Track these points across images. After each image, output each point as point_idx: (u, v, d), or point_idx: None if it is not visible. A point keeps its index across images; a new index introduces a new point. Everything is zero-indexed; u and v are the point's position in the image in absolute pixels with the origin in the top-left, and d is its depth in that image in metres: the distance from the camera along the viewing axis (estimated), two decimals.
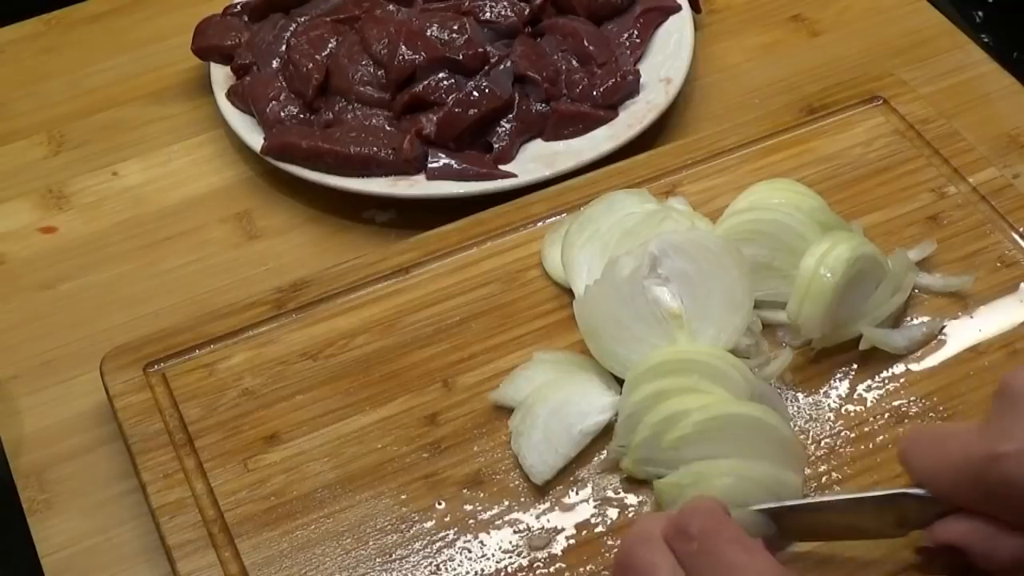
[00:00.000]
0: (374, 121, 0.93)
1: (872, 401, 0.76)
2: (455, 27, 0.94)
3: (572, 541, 0.71)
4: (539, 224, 0.85)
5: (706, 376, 0.73)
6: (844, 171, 0.87)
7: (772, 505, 0.67)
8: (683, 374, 0.73)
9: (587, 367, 0.77)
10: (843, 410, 0.75)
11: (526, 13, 0.97)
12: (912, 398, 0.75)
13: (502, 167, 0.90)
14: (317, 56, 0.95)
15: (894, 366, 0.77)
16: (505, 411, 0.76)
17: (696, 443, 0.70)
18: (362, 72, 0.94)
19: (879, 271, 0.77)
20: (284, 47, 0.97)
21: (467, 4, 0.97)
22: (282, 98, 0.94)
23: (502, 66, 0.93)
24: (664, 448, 0.71)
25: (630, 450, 0.72)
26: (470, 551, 0.71)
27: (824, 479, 0.72)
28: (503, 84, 0.92)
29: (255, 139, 0.93)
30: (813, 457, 0.73)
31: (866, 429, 0.74)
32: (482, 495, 0.73)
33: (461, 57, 0.92)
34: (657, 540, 0.61)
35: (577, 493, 0.73)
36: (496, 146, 0.92)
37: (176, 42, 1.02)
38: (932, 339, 0.78)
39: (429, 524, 0.72)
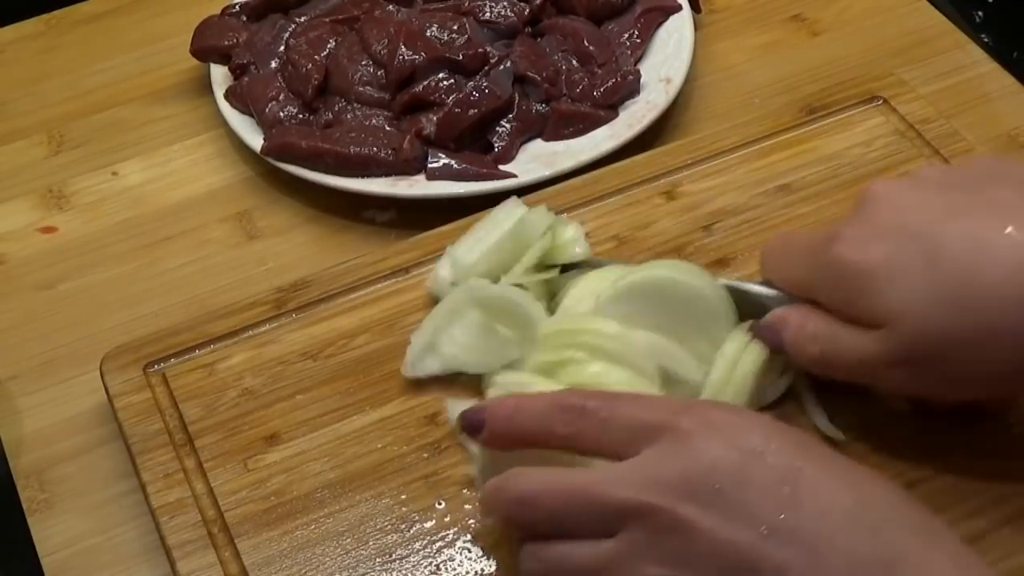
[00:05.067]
0: (374, 121, 0.93)
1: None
2: (455, 27, 0.94)
3: None
4: None
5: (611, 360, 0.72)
6: (844, 171, 0.87)
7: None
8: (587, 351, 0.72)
9: None
10: None
11: (526, 13, 0.97)
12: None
13: (502, 167, 0.90)
14: (316, 56, 0.95)
15: None
16: None
17: None
18: (362, 72, 0.94)
19: None
20: (283, 47, 0.97)
21: (467, 4, 0.97)
22: (281, 98, 0.94)
23: (502, 66, 0.93)
24: None
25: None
26: (470, 551, 0.71)
27: None
28: (503, 84, 0.92)
29: (255, 139, 0.93)
30: None
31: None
32: None
33: (461, 57, 0.92)
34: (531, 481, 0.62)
35: None
36: (496, 146, 0.92)
37: (176, 42, 1.02)
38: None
39: (429, 524, 0.72)
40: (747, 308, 0.73)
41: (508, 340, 0.75)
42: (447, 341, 0.76)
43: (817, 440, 0.60)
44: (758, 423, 0.61)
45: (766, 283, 0.73)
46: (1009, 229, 0.62)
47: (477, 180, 0.89)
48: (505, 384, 0.72)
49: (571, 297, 0.76)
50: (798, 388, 0.74)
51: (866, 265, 0.64)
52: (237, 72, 0.97)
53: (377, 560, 0.71)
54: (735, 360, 0.70)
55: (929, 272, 0.62)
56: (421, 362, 0.77)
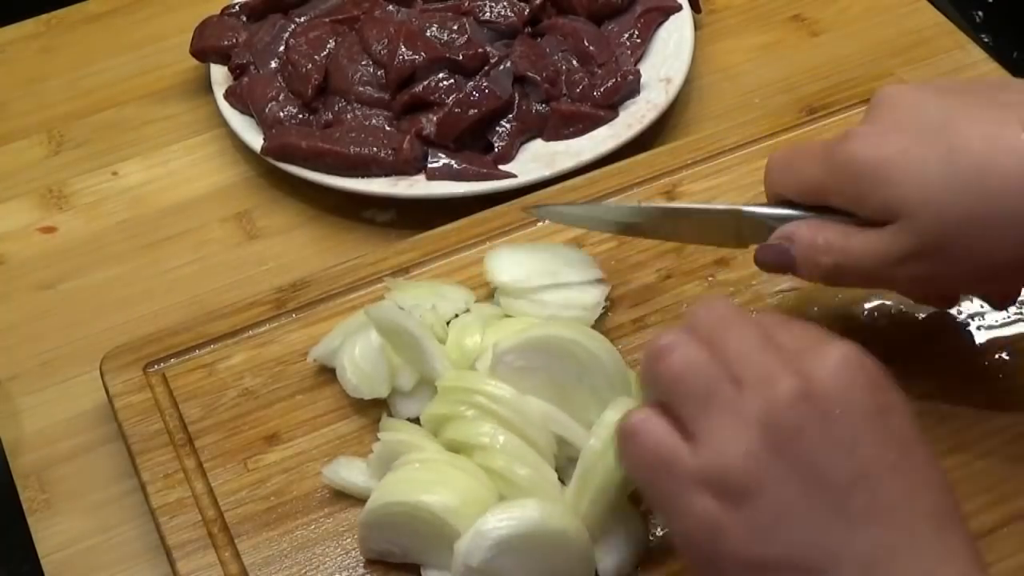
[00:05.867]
0: (374, 121, 0.93)
1: None
2: (455, 27, 0.94)
3: None
4: (539, 224, 0.85)
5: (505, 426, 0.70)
6: None
7: (630, 205, 0.74)
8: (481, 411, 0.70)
9: None
10: None
11: (526, 13, 0.97)
12: (914, 397, 0.75)
13: (502, 167, 0.90)
14: (316, 56, 0.95)
15: None
16: None
17: None
18: (361, 72, 0.94)
19: None
20: (283, 47, 0.97)
21: (467, 4, 0.97)
22: (281, 98, 0.94)
23: (502, 66, 0.93)
24: None
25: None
26: None
27: None
28: (503, 84, 0.92)
29: (255, 139, 0.93)
30: None
31: None
32: None
33: (461, 57, 0.92)
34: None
35: None
36: (496, 146, 0.92)
37: (176, 42, 1.02)
38: None
39: None
40: (749, 233, 0.71)
41: (400, 368, 0.75)
42: (347, 356, 0.76)
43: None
44: (897, 392, 0.58)
45: (769, 204, 0.71)
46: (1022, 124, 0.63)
47: (477, 180, 0.89)
48: (390, 440, 0.71)
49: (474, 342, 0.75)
50: None
51: (881, 158, 0.64)
52: (237, 72, 0.97)
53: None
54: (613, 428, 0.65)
55: (945, 162, 0.63)
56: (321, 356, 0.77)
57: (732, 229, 0.72)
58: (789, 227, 0.69)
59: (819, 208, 0.68)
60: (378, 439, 0.72)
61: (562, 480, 0.70)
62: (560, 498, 0.68)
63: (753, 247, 0.71)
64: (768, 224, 0.70)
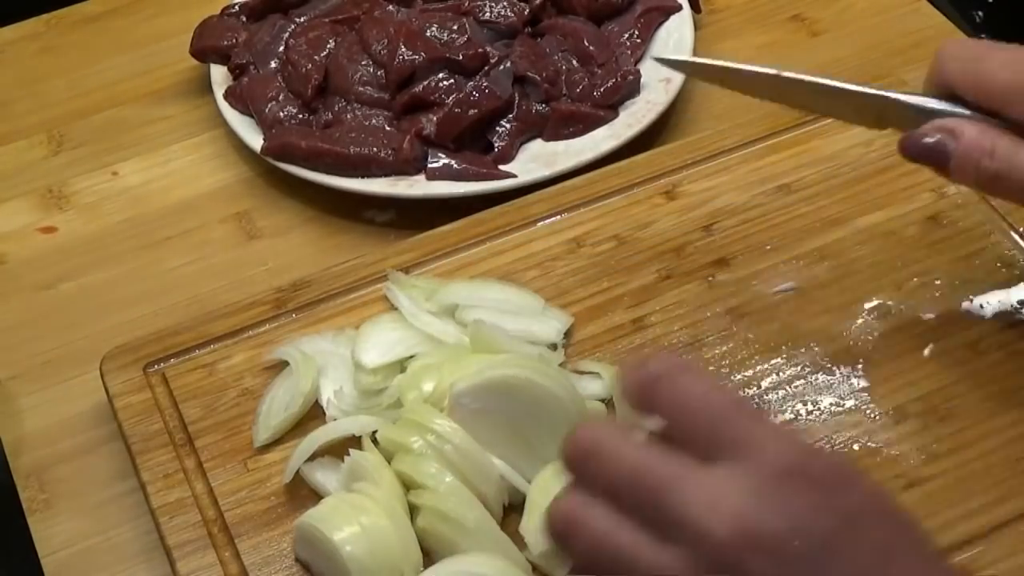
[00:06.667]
0: (374, 121, 0.93)
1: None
2: (455, 27, 0.94)
3: None
4: (539, 224, 0.85)
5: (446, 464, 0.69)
6: (844, 171, 0.87)
7: (771, 71, 0.70)
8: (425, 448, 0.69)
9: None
10: None
11: (526, 13, 0.97)
12: (914, 397, 0.75)
13: (502, 167, 0.90)
14: (316, 57, 0.95)
15: None
16: None
17: None
18: (361, 72, 0.94)
19: None
20: (282, 48, 0.97)
21: (467, 4, 0.97)
22: (281, 98, 0.94)
23: (502, 66, 0.93)
24: None
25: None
26: None
27: None
28: (503, 84, 0.92)
29: (255, 139, 0.93)
30: None
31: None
32: None
33: (461, 57, 0.92)
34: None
35: None
36: (496, 146, 0.92)
37: (176, 42, 1.02)
38: None
39: None
40: (893, 116, 0.67)
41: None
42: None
43: (912, 518, 0.52)
44: (856, 480, 0.51)
45: (929, 95, 0.66)
46: None
47: (477, 180, 0.89)
48: (355, 459, 0.71)
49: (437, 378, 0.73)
50: None
51: None
52: (237, 72, 0.97)
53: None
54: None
55: None
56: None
57: (874, 109, 0.67)
58: (953, 121, 0.63)
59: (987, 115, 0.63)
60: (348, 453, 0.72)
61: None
62: (505, 550, 0.67)
63: (889, 131, 0.67)
64: (917, 114, 0.65)
